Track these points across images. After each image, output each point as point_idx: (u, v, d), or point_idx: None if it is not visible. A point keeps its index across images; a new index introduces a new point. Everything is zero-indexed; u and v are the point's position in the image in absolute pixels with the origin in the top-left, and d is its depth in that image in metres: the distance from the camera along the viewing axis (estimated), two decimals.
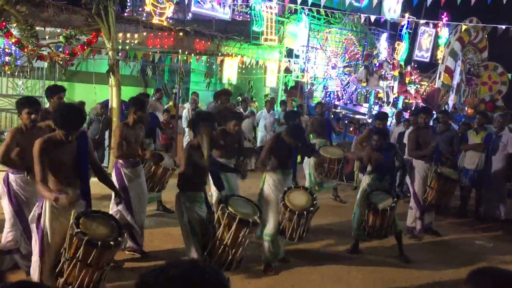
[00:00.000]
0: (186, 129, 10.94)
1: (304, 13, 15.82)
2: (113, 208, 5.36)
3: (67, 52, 9.74)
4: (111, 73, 9.86)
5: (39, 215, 3.76)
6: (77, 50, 9.79)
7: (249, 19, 15.22)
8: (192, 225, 4.44)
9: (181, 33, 12.00)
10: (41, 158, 3.67)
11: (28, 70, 11.73)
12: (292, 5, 15.30)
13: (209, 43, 12.99)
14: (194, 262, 1.36)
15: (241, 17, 16.02)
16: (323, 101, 15.20)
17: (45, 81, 13.44)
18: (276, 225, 5.30)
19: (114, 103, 9.95)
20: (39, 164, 3.67)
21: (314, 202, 5.18)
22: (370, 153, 6.32)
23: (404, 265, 5.92)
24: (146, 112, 5.67)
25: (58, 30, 9.85)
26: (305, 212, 5.03)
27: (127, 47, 11.26)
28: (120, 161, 5.40)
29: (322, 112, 9.66)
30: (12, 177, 4.49)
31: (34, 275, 3.75)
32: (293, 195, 5.25)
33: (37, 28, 9.26)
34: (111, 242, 3.51)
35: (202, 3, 13.32)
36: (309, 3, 14.31)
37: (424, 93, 18.01)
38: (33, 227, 3.85)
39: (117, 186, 5.21)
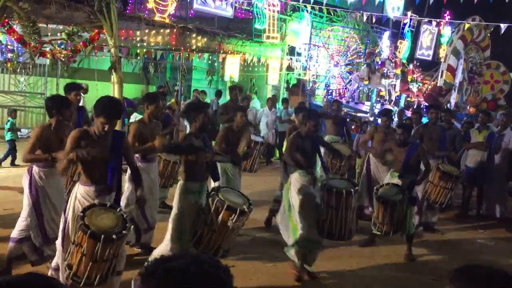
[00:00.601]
0: (188, 127, 10.94)
1: (307, 10, 15.80)
2: (122, 201, 5.34)
3: (69, 49, 9.77)
4: (113, 70, 9.87)
5: (67, 203, 3.96)
6: (79, 47, 9.82)
7: (251, 17, 15.20)
8: (182, 213, 4.51)
9: (183, 31, 12.01)
10: (36, 140, 4.20)
11: (30, 66, 11.76)
12: (295, 3, 15.29)
13: (211, 40, 13.00)
14: (197, 255, 1.37)
15: (243, 14, 16.00)
16: (337, 98, 15.18)
17: (47, 78, 13.48)
18: (310, 229, 5.06)
19: None
20: (31, 144, 4.17)
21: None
22: (392, 147, 6.17)
23: (405, 263, 5.91)
24: (159, 106, 5.52)
25: (61, 27, 9.88)
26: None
27: (129, 44, 11.28)
28: (137, 155, 5.35)
29: (339, 110, 9.57)
30: (36, 169, 4.57)
31: (58, 262, 3.94)
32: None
33: (40, 25, 9.28)
34: (113, 236, 3.52)
35: (204, 0, 13.29)
36: (311, 1, 14.31)
37: (426, 91, 17.99)
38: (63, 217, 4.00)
39: (130, 181, 5.28)
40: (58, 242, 3.95)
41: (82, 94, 7.43)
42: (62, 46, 9.98)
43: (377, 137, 7.20)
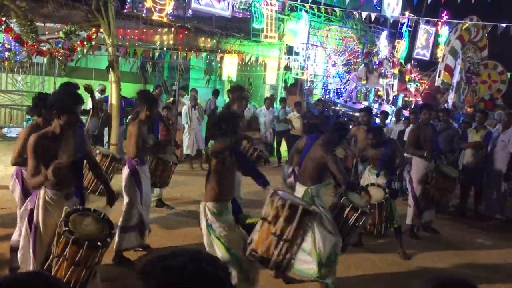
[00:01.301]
0: (186, 126, 10.93)
1: (305, 10, 15.80)
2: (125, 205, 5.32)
3: (66, 48, 9.73)
4: (110, 69, 9.84)
5: (32, 210, 3.68)
6: (76, 46, 9.78)
7: (249, 16, 15.19)
8: (232, 252, 3.91)
9: (181, 30, 11.99)
10: (35, 154, 3.55)
11: (28, 65, 11.73)
12: (293, 2, 15.28)
13: (209, 39, 12.98)
14: (195, 252, 1.36)
15: (241, 14, 15.99)
16: (322, 98, 15.20)
17: (44, 76, 13.45)
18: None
19: (113, 100, 9.93)
20: (32, 161, 3.56)
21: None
22: (368, 150, 6.47)
23: (402, 263, 5.92)
24: (157, 110, 5.66)
25: (58, 26, 9.85)
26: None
27: (127, 43, 11.25)
28: (136, 159, 5.32)
29: (323, 110, 9.61)
30: (25, 173, 4.44)
31: (28, 269, 3.67)
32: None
33: (37, 23, 9.25)
34: (98, 243, 3.41)
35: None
36: (309, 0, 14.30)
37: (424, 91, 18.01)
38: (23, 221, 3.80)
39: (133, 184, 5.23)
40: (26, 249, 3.70)
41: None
42: (60, 45, 9.94)
43: (360, 135, 7.23)
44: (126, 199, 5.29)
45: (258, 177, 4.12)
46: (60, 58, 10.05)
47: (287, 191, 4.29)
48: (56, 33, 9.78)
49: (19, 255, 3.81)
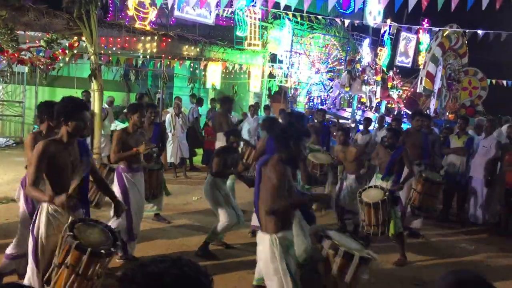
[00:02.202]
0: (170, 134, 10.87)
1: (288, 18, 15.90)
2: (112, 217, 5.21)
3: (48, 56, 9.63)
4: (93, 78, 9.77)
5: (34, 221, 3.59)
6: (58, 55, 9.69)
7: (232, 24, 15.24)
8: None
9: (164, 38, 11.96)
10: (40, 162, 3.45)
11: (8, 74, 11.56)
12: (276, 10, 15.37)
13: (192, 47, 12.97)
14: (176, 259, 1.34)
15: (224, 22, 16.03)
16: (325, 108, 15.26)
17: (25, 86, 13.27)
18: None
19: (96, 108, 9.84)
20: (34, 168, 3.46)
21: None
22: (379, 150, 6.52)
23: (386, 268, 5.94)
24: (141, 115, 5.34)
25: (39, 34, 9.74)
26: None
27: (109, 52, 11.18)
28: (122, 165, 5.33)
29: (322, 120, 9.66)
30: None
31: (31, 282, 3.56)
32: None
33: (18, 32, 9.14)
34: (102, 251, 3.29)
35: (185, 4, 13.25)
36: (292, 8, 14.40)
37: (406, 97, 18.22)
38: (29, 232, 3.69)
39: (118, 191, 5.18)
40: (31, 265, 3.59)
41: None
42: (41, 54, 9.84)
43: (340, 155, 7.30)
44: None
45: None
46: (42, 67, 9.94)
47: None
48: (37, 41, 9.68)
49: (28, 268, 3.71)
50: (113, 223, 5.09)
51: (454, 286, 1.64)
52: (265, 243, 3.42)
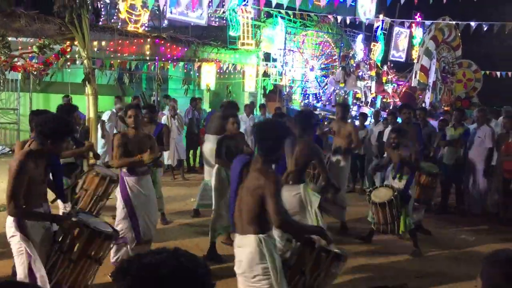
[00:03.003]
0: None
1: (281, 16, 15.88)
2: (118, 223, 5.10)
3: (41, 62, 9.60)
4: (87, 82, 9.74)
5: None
6: (51, 60, 9.66)
7: (225, 24, 15.21)
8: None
9: (157, 40, 11.93)
10: (22, 175, 3.43)
11: (1, 82, 11.51)
12: (268, 9, 15.36)
13: (186, 49, 12.95)
14: (173, 250, 1.32)
15: (217, 22, 16.00)
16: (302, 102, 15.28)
17: (19, 92, 13.20)
18: None
19: (91, 113, 9.81)
20: (18, 182, 3.43)
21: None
22: (388, 151, 6.53)
23: (391, 262, 5.93)
24: (136, 116, 5.15)
25: (31, 40, 9.71)
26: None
27: (102, 56, 11.14)
28: (124, 170, 5.15)
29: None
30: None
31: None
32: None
33: (9, 38, 9.10)
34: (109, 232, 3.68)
35: (178, 5, 13.22)
36: (285, 6, 14.39)
37: (401, 92, 18.24)
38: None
39: (120, 195, 5.10)
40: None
41: None
42: (34, 60, 9.80)
43: (334, 128, 7.31)
44: None
45: None
46: (35, 73, 9.91)
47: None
48: (29, 47, 9.65)
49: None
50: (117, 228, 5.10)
51: (502, 263, 1.67)
52: (251, 244, 3.23)
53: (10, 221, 3.56)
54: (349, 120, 8.87)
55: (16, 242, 3.55)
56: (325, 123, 13.37)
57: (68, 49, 9.78)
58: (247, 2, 14.38)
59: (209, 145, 7.32)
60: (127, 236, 5.05)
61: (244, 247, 3.28)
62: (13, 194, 3.42)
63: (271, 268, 3.21)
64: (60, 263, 3.60)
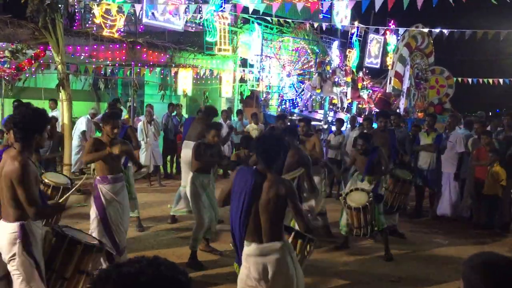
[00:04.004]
0: (142, 142, 10.73)
1: (257, 22, 15.94)
2: (92, 231, 5.01)
3: (13, 67, 9.40)
4: (61, 88, 9.57)
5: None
6: (24, 65, 9.46)
7: (202, 30, 15.19)
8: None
9: (133, 45, 11.83)
10: (30, 180, 3.32)
11: None
12: (245, 15, 15.40)
13: (162, 54, 12.87)
14: (152, 258, 1.31)
15: (194, 28, 15.96)
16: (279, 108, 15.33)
17: None
18: None
19: (65, 119, 9.65)
20: (32, 188, 3.31)
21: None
22: (356, 156, 6.71)
23: (365, 266, 5.99)
24: (114, 125, 5.08)
25: (4, 45, 9.51)
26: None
27: (77, 61, 10.98)
28: (98, 177, 5.10)
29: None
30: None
31: None
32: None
33: None
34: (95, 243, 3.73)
35: (155, 11, 13.12)
36: (261, 12, 14.46)
37: (376, 98, 18.50)
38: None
39: (93, 205, 5.02)
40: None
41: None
42: (6, 65, 9.60)
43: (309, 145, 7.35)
44: None
45: None
46: (7, 78, 9.70)
47: None
48: (1, 52, 9.44)
49: None
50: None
51: (480, 267, 1.68)
52: (278, 253, 3.33)
53: (10, 231, 3.36)
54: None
55: (15, 263, 3.37)
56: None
57: (42, 54, 9.60)
58: (224, 8, 14.40)
59: (188, 151, 7.27)
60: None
61: (272, 255, 3.34)
62: (31, 197, 3.28)
63: (298, 274, 3.44)
64: (53, 282, 3.53)
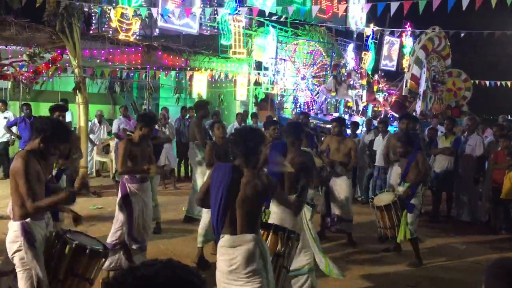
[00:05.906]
0: None
1: (272, 25, 15.94)
2: (115, 224, 5.26)
3: (31, 70, 9.53)
4: (77, 91, 9.67)
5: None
6: (41, 69, 9.59)
7: (216, 33, 15.23)
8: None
9: (148, 49, 11.91)
10: (30, 175, 3.44)
11: None
12: (260, 18, 15.41)
13: (177, 57, 12.93)
14: (166, 261, 1.31)
15: (208, 31, 16.02)
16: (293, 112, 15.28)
17: (9, 101, 13.10)
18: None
19: (82, 122, 9.74)
20: (31, 183, 3.43)
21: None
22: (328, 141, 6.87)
23: (381, 271, 5.92)
24: (152, 129, 5.48)
25: (22, 49, 9.64)
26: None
27: (93, 64, 11.09)
28: (126, 176, 5.31)
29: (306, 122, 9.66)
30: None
31: None
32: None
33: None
34: (99, 249, 3.66)
35: (171, 16, 13.21)
36: (278, 14, 14.46)
37: (392, 101, 18.34)
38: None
39: (121, 200, 5.24)
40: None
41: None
42: (24, 68, 9.74)
43: (333, 145, 7.26)
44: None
45: None
46: (25, 82, 9.83)
47: None
48: (19, 56, 9.58)
49: None
50: (113, 235, 5.26)
51: (504, 275, 1.66)
52: (248, 244, 3.36)
53: (13, 229, 3.52)
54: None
55: (19, 258, 3.49)
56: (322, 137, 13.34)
57: (59, 58, 9.72)
58: (239, 11, 14.42)
59: (193, 153, 7.52)
60: (123, 240, 5.19)
61: (240, 246, 3.38)
62: (28, 191, 3.40)
63: (268, 267, 3.46)
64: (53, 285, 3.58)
